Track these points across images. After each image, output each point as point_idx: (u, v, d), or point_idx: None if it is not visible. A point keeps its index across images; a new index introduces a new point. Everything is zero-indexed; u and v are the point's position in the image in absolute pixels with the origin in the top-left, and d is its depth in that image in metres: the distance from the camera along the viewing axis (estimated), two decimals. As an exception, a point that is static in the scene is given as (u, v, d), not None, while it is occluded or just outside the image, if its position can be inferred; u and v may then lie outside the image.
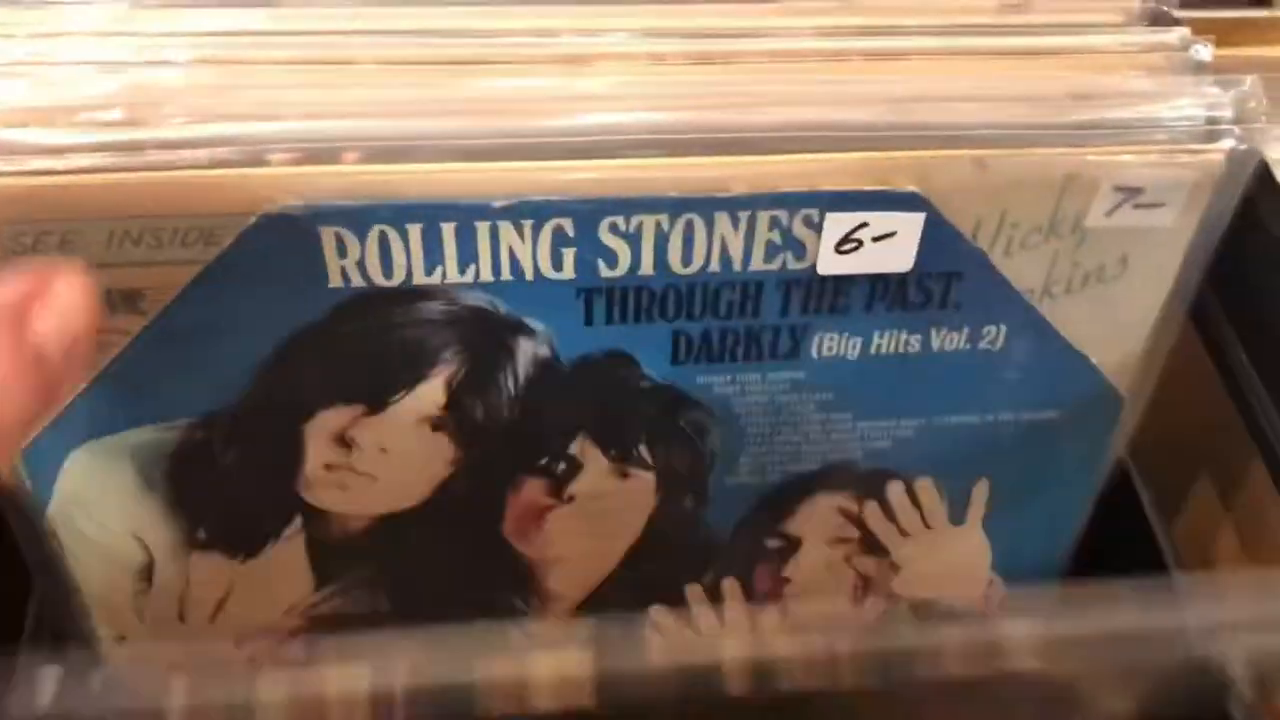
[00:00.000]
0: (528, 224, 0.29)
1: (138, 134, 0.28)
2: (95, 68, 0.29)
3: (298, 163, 0.28)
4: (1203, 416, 0.39)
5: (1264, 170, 0.32)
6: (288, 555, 0.36)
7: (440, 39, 0.31)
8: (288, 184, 0.28)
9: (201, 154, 0.28)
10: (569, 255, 0.30)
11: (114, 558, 0.35)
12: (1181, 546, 0.41)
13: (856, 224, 0.30)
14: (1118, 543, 0.41)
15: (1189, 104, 0.30)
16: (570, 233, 0.29)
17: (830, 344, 0.33)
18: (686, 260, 0.30)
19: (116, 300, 0.29)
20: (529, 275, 0.30)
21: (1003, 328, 0.33)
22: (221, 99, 0.28)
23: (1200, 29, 0.33)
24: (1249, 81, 0.30)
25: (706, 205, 0.29)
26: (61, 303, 0.22)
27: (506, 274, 0.30)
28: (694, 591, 0.39)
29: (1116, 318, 0.34)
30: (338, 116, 0.28)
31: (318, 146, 0.28)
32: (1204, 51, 0.32)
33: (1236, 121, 0.30)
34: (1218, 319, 0.36)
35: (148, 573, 0.36)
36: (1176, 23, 0.33)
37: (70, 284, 0.22)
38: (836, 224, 0.30)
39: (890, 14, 0.32)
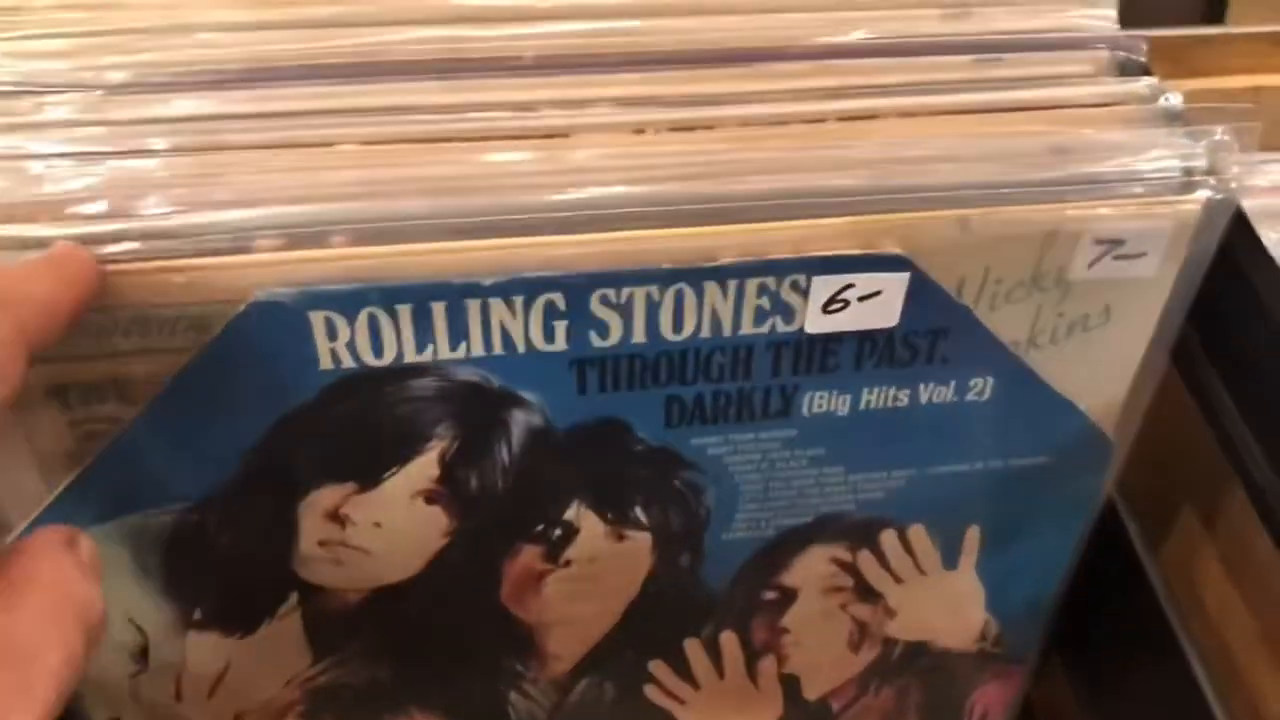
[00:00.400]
0: (519, 300, 0.29)
1: (122, 225, 0.27)
2: (74, 160, 0.29)
3: (284, 249, 0.28)
4: (1185, 450, 0.40)
5: (1239, 216, 0.32)
6: (285, 630, 0.36)
7: (418, 115, 0.31)
8: (275, 271, 0.28)
9: (187, 244, 0.28)
10: (561, 328, 0.30)
11: (108, 641, 0.35)
12: (1169, 574, 0.41)
13: (842, 285, 0.30)
14: (1107, 573, 0.41)
15: (1164, 155, 0.31)
16: (561, 306, 0.29)
17: (820, 401, 0.33)
18: (677, 328, 0.30)
19: (108, 389, 0.29)
20: (521, 348, 0.30)
21: (989, 379, 0.33)
22: (204, 187, 0.28)
23: (1156, 47, 0.34)
24: (1220, 131, 0.31)
25: (696, 275, 0.29)
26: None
27: (498, 348, 0.30)
28: (693, 646, 0.40)
29: (1101, 364, 0.34)
30: (322, 200, 0.28)
31: (304, 231, 0.28)
32: (1174, 99, 0.32)
33: (1210, 171, 0.31)
34: (1199, 358, 0.36)
35: (143, 654, 0.35)
36: (1146, 72, 0.34)
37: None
38: (823, 287, 0.30)
39: (863, 74, 0.33)
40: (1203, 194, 0.31)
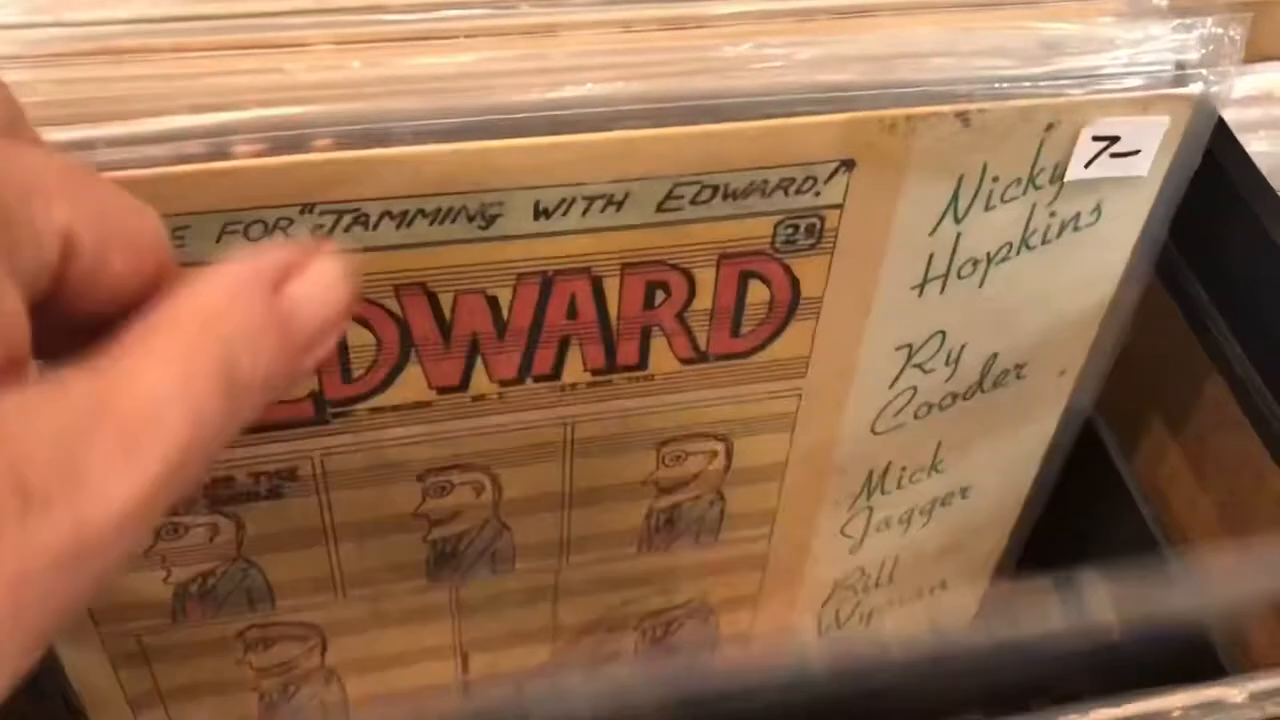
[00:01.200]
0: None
1: (89, 133, 0.26)
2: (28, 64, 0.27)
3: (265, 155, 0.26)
4: (1161, 362, 0.40)
5: (1220, 123, 0.32)
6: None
7: (391, 15, 0.29)
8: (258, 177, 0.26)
9: (163, 150, 0.26)
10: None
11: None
12: (1145, 485, 0.42)
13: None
14: (1086, 486, 0.42)
15: (1158, 48, 0.30)
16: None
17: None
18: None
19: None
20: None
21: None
22: (175, 91, 0.27)
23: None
24: (1210, 22, 0.31)
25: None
26: (322, 276, 0.18)
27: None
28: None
29: (1088, 266, 0.34)
30: (302, 102, 0.27)
31: (285, 135, 0.26)
32: (1160, -6, 0.32)
33: (1203, 64, 0.31)
34: (1180, 264, 0.36)
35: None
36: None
37: (333, 263, 0.19)
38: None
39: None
40: (1196, 86, 0.30)
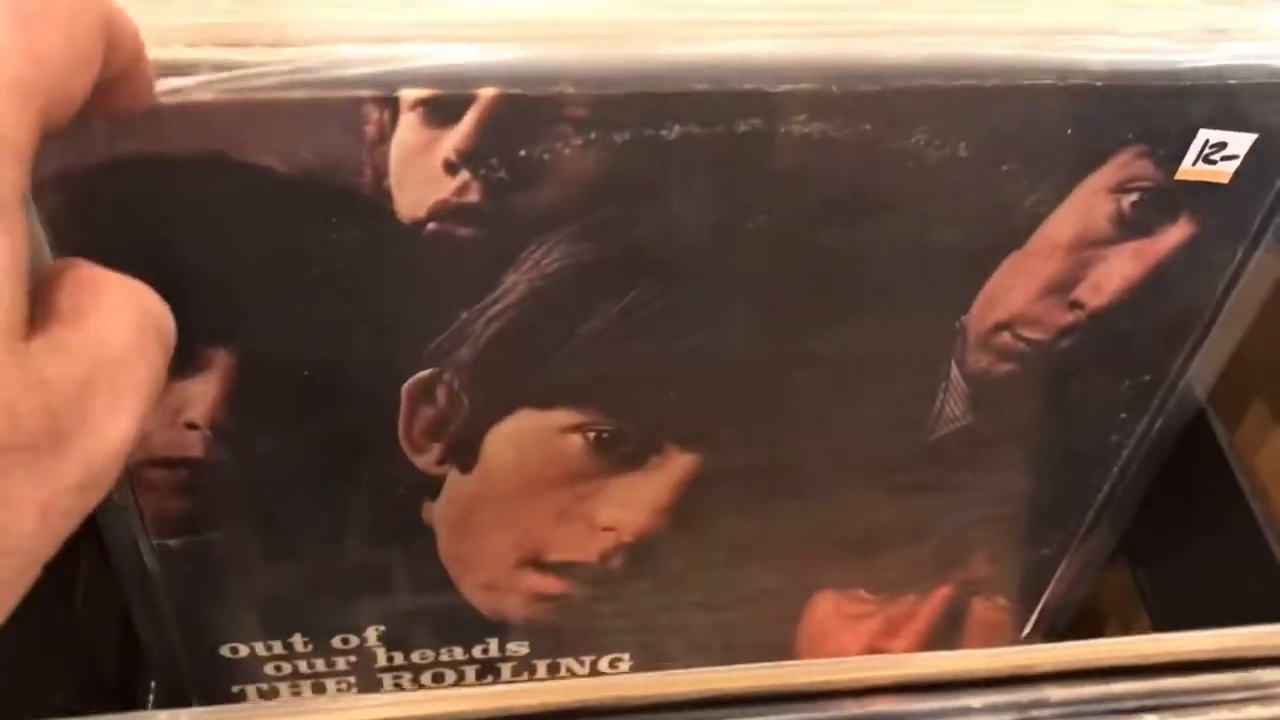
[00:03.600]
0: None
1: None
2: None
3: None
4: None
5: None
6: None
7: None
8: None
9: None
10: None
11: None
12: (1256, 482, 0.41)
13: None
14: (1197, 480, 0.42)
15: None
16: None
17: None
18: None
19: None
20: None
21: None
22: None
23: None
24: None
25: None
26: None
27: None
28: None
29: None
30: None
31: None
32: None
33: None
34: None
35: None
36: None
37: None
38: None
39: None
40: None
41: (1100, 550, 0.45)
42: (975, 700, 0.21)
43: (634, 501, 0.38)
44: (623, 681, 0.20)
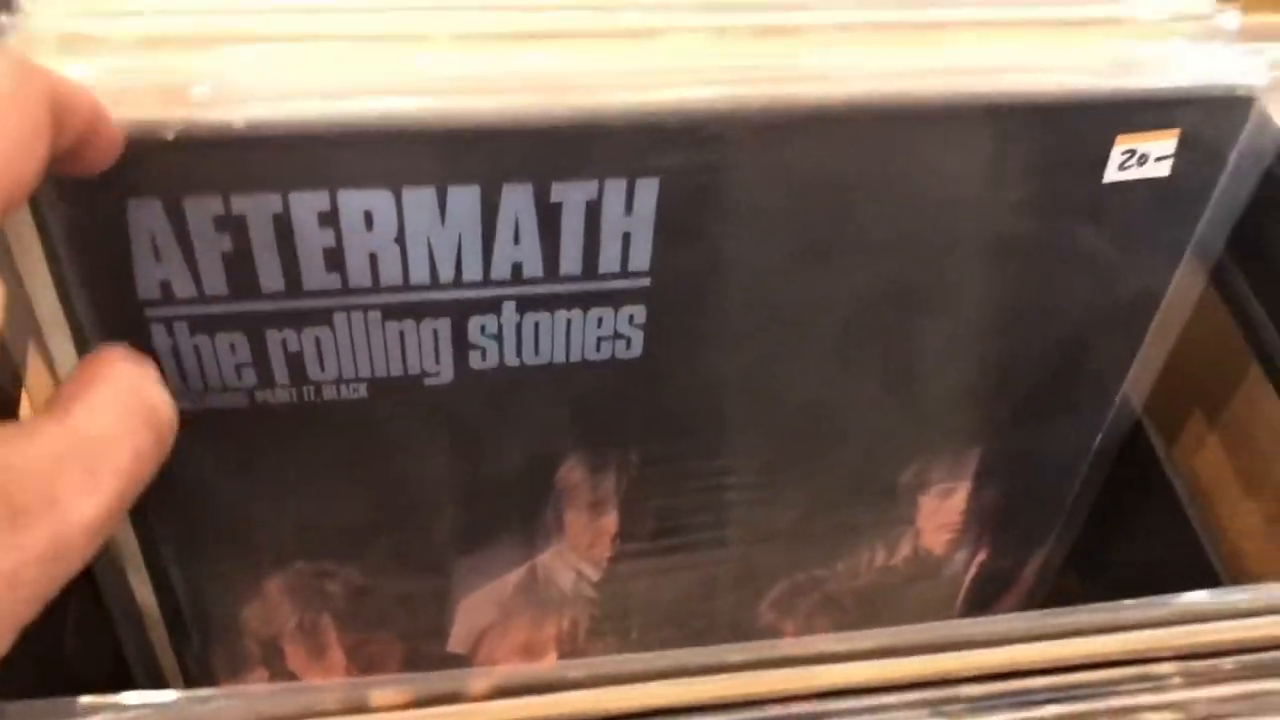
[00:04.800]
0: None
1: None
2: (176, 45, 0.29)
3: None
4: (1209, 366, 0.42)
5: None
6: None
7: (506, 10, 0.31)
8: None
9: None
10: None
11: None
12: (1193, 488, 0.43)
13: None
14: (1131, 485, 0.43)
15: (1225, 71, 0.32)
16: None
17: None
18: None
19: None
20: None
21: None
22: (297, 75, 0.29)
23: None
24: (1278, 47, 0.32)
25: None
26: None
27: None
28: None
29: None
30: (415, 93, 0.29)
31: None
32: (1231, 19, 0.34)
33: (1267, 87, 0.32)
34: (1238, 279, 0.38)
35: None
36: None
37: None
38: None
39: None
40: (1258, 108, 0.32)
41: (1052, 562, 0.47)
42: (890, 698, 0.23)
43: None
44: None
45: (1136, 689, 0.23)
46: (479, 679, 0.21)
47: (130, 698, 0.23)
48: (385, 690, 0.21)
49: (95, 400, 0.23)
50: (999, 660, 0.23)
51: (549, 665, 0.22)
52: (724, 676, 0.22)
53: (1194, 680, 0.23)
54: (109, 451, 0.22)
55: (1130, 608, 0.24)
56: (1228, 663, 0.24)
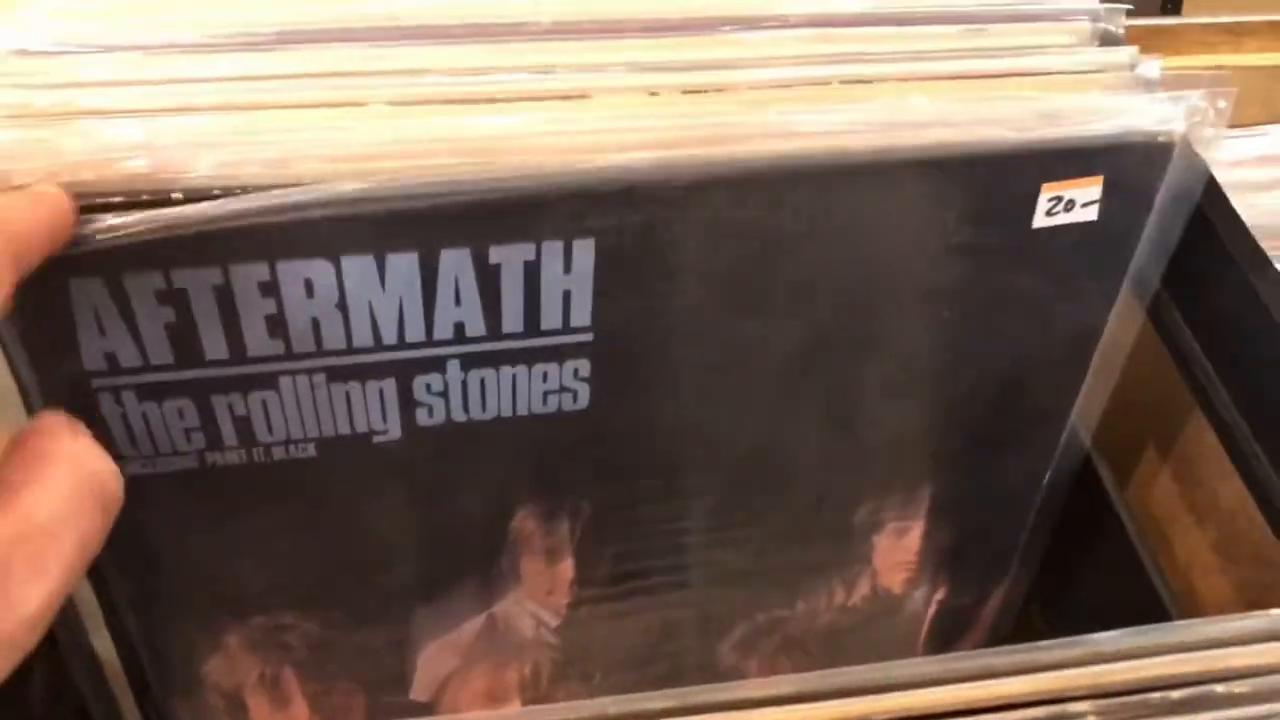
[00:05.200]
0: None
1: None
2: (117, 118, 0.30)
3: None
4: (1152, 401, 0.43)
5: (1210, 181, 0.35)
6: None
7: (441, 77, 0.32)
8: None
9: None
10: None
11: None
12: (1142, 521, 0.44)
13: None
14: (1082, 517, 0.44)
15: (1145, 118, 0.33)
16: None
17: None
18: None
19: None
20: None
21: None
22: (241, 145, 0.29)
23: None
24: (1197, 96, 0.33)
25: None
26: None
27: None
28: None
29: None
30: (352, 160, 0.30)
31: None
32: (1152, 69, 0.35)
33: (1188, 133, 0.33)
34: (1171, 312, 0.38)
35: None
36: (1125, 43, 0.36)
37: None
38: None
39: (860, 41, 0.35)
40: (1180, 153, 0.33)
41: (1014, 598, 0.48)
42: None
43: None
44: None
45: (1053, 730, 0.24)
46: None
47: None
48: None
49: (42, 483, 0.22)
50: (915, 703, 0.24)
51: (491, 715, 0.22)
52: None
53: (1110, 718, 0.24)
54: (56, 539, 0.21)
55: (1044, 648, 0.24)
56: (1144, 700, 0.24)
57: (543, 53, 0.33)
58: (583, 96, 0.32)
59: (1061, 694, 0.24)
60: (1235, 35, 0.51)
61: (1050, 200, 0.34)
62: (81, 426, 0.24)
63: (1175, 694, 0.25)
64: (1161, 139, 0.33)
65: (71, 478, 0.22)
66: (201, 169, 0.28)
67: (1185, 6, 0.73)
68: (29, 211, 0.25)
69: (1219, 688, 0.25)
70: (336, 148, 0.30)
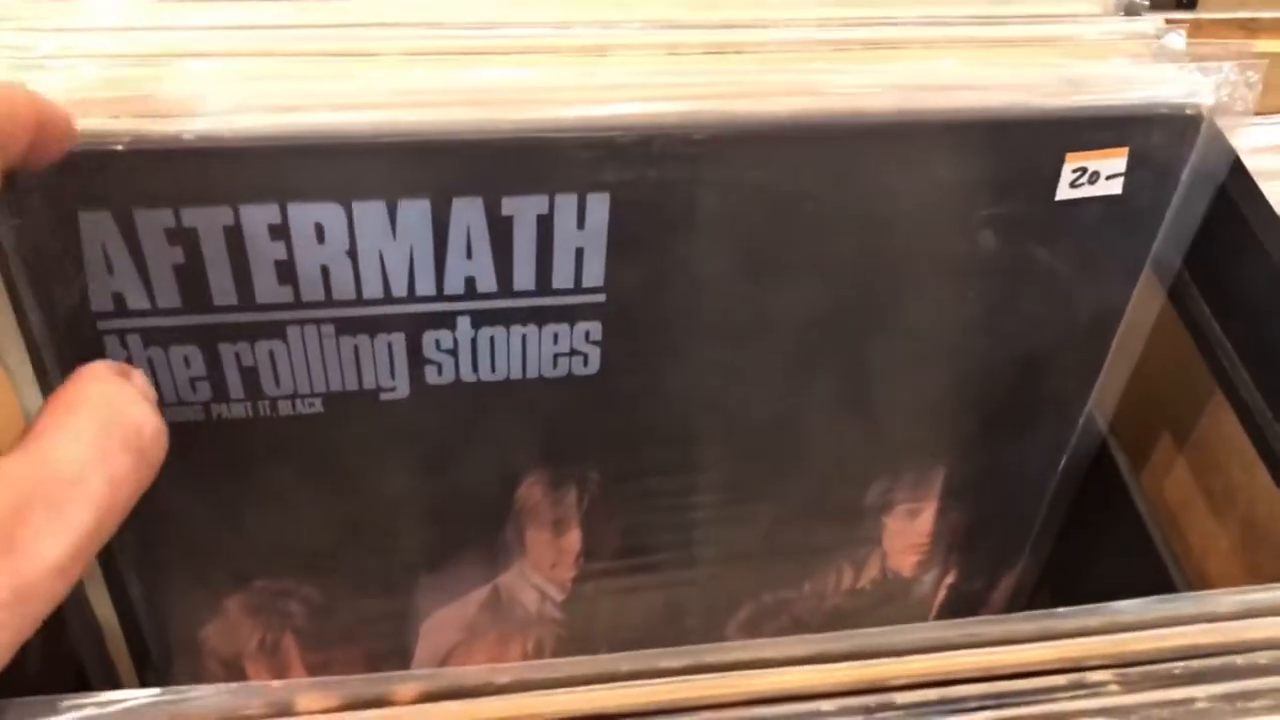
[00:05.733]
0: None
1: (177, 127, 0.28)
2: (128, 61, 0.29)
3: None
4: (1171, 387, 0.42)
5: (1236, 161, 0.34)
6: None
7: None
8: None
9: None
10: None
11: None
12: (1157, 509, 0.43)
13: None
14: (1097, 502, 0.43)
15: (1174, 89, 0.32)
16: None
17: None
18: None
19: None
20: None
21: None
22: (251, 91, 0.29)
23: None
24: (1228, 68, 0.32)
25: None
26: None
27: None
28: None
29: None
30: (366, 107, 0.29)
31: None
32: (1178, 40, 0.34)
33: (1218, 106, 0.32)
34: (1192, 294, 0.38)
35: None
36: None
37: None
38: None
39: (883, 6, 0.34)
40: (1206, 125, 0.32)
41: (1024, 585, 0.47)
42: (824, 704, 0.23)
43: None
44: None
45: (1071, 695, 0.23)
46: (406, 683, 0.21)
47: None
48: (311, 694, 0.21)
49: (67, 430, 0.21)
50: (933, 667, 0.23)
51: (476, 669, 0.22)
52: (656, 682, 0.22)
53: (1130, 687, 0.23)
54: (78, 486, 0.20)
55: (1065, 615, 0.24)
56: (1164, 669, 0.24)
57: (561, 5, 0.32)
58: (600, 52, 0.31)
59: (1082, 662, 0.23)
60: (1250, 31, 0.51)
61: (1075, 171, 0.33)
62: (134, 372, 0.24)
63: (1196, 664, 0.24)
64: (1190, 111, 0.33)
65: (98, 423, 0.22)
66: (212, 113, 0.28)
67: (1201, 3, 0.73)
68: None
69: (1239, 659, 0.24)
70: (348, 96, 0.29)
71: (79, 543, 0.20)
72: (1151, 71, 0.33)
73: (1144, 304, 0.38)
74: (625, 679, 0.22)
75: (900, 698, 0.23)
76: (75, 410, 0.22)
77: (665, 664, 0.22)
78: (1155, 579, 0.41)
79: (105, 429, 0.22)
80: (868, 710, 0.23)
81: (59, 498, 0.20)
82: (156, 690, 0.23)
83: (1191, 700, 0.23)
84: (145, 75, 0.28)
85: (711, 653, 0.23)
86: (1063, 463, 0.42)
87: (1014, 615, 0.24)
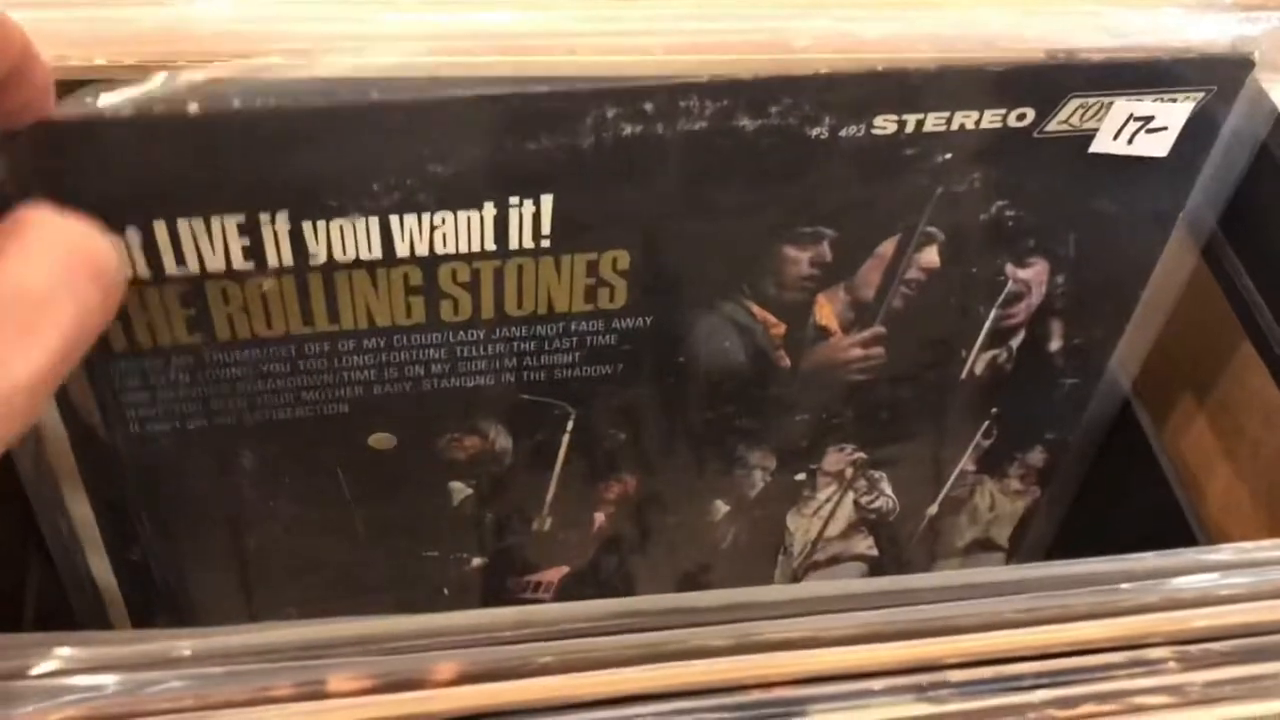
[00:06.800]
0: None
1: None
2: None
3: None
4: (1200, 345, 0.41)
5: (1278, 120, 0.33)
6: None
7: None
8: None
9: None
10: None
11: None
12: (1181, 470, 0.42)
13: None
14: (1122, 468, 0.43)
15: (1222, 35, 0.31)
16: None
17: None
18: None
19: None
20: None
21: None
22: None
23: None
24: (1276, 17, 0.31)
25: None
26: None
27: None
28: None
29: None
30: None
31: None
32: (1225, -10, 0.33)
33: (1264, 58, 0.31)
34: (1229, 255, 0.37)
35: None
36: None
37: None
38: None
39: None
40: (1254, 75, 0.31)
41: (1041, 540, 0.47)
42: (877, 683, 0.22)
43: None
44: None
45: (1129, 673, 0.22)
46: (443, 663, 0.20)
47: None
48: (343, 675, 0.20)
49: (31, 250, 0.20)
50: (988, 645, 0.22)
51: (515, 651, 0.21)
52: (705, 662, 0.21)
53: (1189, 664, 0.23)
54: (49, 306, 0.20)
55: (1124, 592, 0.23)
56: (1223, 646, 0.23)
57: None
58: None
59: (1141, 639, 0.22)
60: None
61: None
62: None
63: (1255, 641, 0.23)
64: (1236, 60, 0.31)
65: (63, 248, 0.21)
66: (225, 57, 0.26)
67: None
68: None
69: (1300, 634, 0.24)
70: (364, 40, 0.28)
71: (51, 365, 0.20)
72: (1198, 19, 0.32)
73: (1176, 260, 0.37)
74: (673, 658, 0.21)
75: (954, 675, 0.22)
76: (35, 232, 0.21)
77: (714, 643, 0.22)
78: (1175, 538, 0.40)
79: (70, 255, 0.21)
80: (919, 689, 0.22)
81: (30, 318, 0.20)
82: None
83: (1250, 678, 0.23)
84: (152, 21, 0.27)
85: (761, 632, 0.22)
86: (1084, 419, 0.42)
87: (1073, 591, 0.23)
